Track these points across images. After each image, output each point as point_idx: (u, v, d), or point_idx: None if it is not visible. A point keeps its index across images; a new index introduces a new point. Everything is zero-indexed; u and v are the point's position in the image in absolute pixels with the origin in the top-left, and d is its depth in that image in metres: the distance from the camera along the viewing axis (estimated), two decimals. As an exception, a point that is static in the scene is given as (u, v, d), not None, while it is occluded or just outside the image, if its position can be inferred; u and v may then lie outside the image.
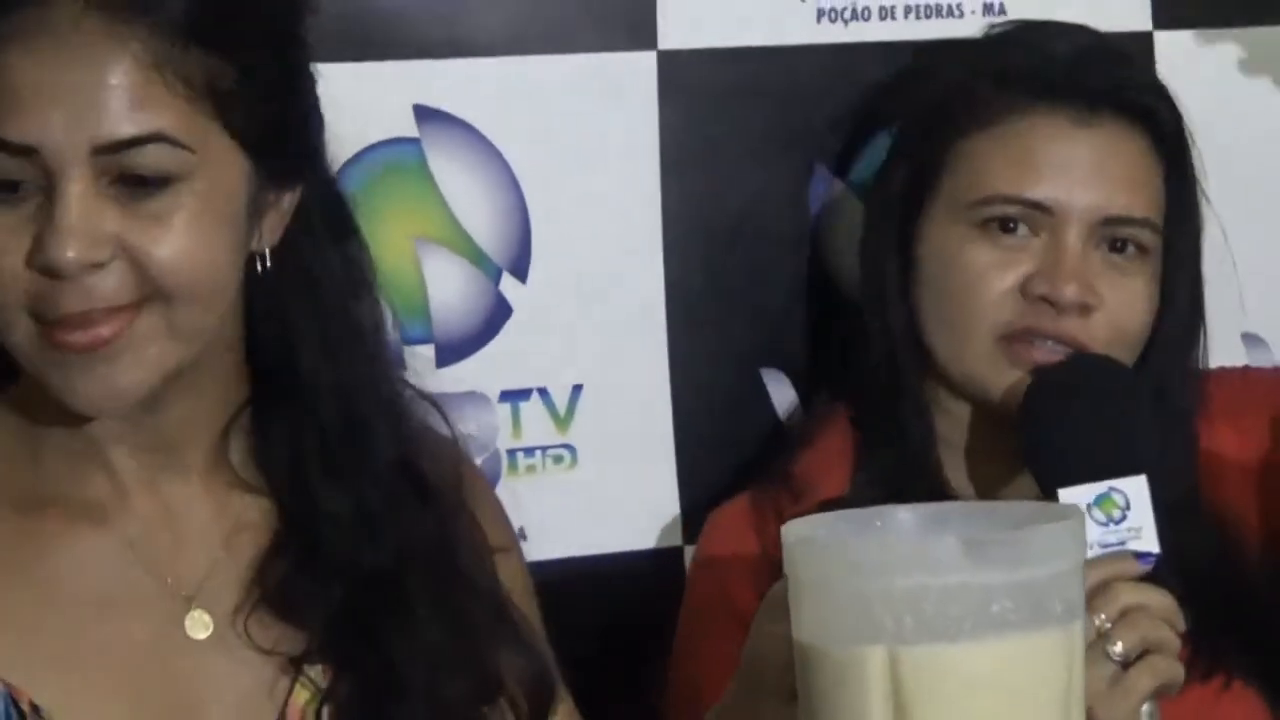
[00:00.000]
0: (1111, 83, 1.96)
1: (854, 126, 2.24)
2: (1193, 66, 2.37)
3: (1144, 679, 1.69)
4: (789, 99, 2.21)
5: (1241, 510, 2.08)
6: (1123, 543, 1.75)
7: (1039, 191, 1.92)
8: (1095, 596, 1.68)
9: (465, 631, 1.66)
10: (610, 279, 2.16)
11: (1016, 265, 1.91)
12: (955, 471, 1.97)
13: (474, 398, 2.06)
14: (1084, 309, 1.90)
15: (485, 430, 2.07)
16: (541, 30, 2.13)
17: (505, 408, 2.10)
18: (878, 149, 2.18)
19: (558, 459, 2.12)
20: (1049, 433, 1.83)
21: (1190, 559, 1.95)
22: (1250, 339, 2.39)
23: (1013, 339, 1.91)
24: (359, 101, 1.95)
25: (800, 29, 2.19)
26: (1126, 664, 1.69)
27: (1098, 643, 1.67)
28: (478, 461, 1.98)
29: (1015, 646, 1.35)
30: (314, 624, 1.61)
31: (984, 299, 1.92)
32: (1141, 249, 1.95)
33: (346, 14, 2.01)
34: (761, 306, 2.23)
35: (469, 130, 2.09)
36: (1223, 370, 2.17)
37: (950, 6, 2.25)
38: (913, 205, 1.99)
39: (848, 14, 2.21)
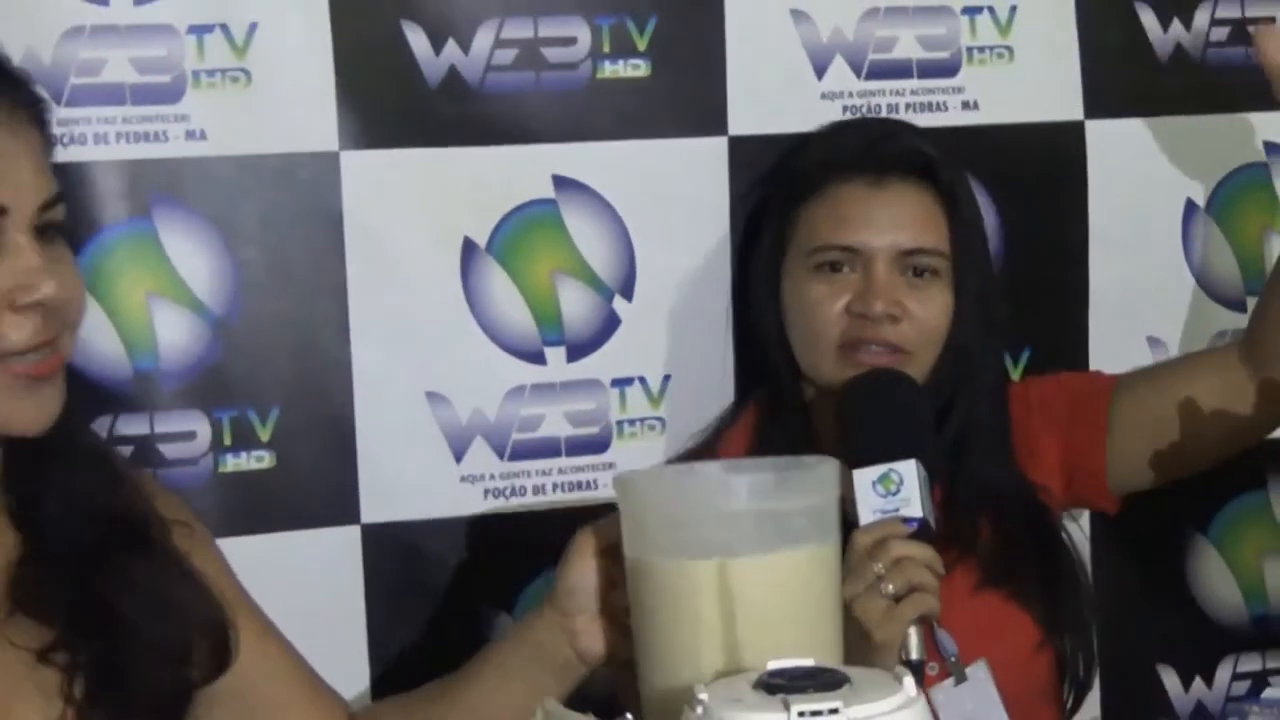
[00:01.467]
0: (896, 155, 2.28)
1: None
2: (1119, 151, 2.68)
3: (908, 609, 1.96)
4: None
5: (1047, 481, 2.36)
6: (896, 510, 2.00)
7: (850, 238, 2.25)
8: (875, 549, 1.97)
9: (163, 585, 1.80)
10: (692, 300, 2.52)
11: (842, 294, 2.24)
12: (826, 447, 2.09)
13: (593, 384, 2.48)
14: (892, 318, 2.22)
15: (602, 407, 2.49)
16: (642, 119, 2.49)
17: (615, 391, 2.49)
18: None
19: (651, 427, 2.51)
20: (850, 427, 2.12)
21: (1008, 514, 2.27)
22: (1153, 341, 2.73)
23: (846, 347, 2.23)
24: (514, 174, 2.46)
25: (832, 119, 2.53)
26: (897, 599, 1.96)
27: (876, 583, 1.96)
28: (594, 430, 2.46)
29: (811, 553, 1.64)
30: (58, 614, 1.72)
31: (822, 320, 2.24)
32: (934, 271, 2.26)
33: (502, 111, 2.44)
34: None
35: (592, 193, 2.48)
36: (1040, 377, 2.52)
37: (939, 104, 2.60)
38: (776, 259, 2.32)
39: (864, 109, 2.56)
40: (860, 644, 1.94)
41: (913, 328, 2.23)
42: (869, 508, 2.01)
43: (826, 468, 1.69)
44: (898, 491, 2.02)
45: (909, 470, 2.02)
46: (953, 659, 2.08)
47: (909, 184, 2.27)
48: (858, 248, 2.24)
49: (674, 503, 1.65)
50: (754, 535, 1.61)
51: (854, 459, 2.02)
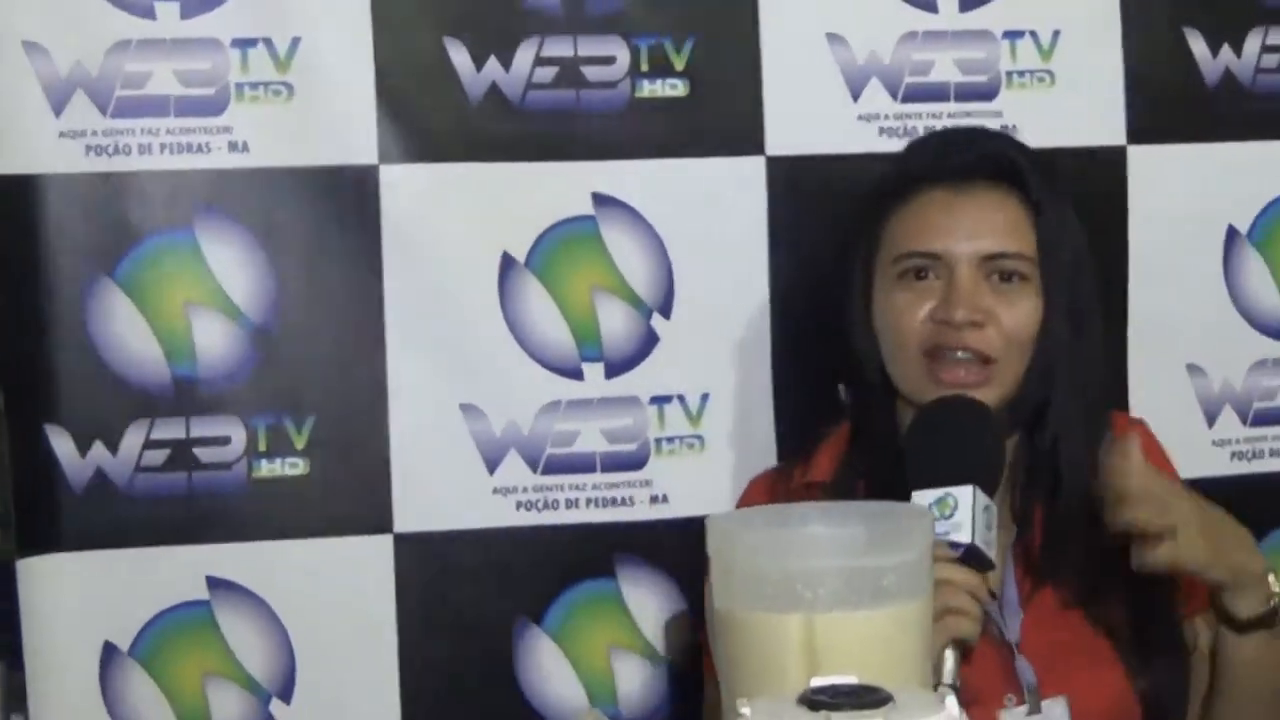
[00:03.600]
0: (979, 160, 2.20)
1: None
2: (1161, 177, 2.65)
3: (939, 634, 1.87)
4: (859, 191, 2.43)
5: None
6: (946, 534, 1.96)
7: (932, 244, 2.17)
8: None
9: None
10: (730, 316, 2.51)
11: (926, 301, 2.17)
12: None
13: (631, 401, 2.48)
14: (975, 325, 2.14)
15: (639, 424, 2.48)
16: (681, 138, 2.49)
17: (653, 408, 2.49)
18: None
19: (690, 445, 2.50)
20: (917, 448, 2.05)
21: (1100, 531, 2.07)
22: (1192, 368, 2.69)
23: (931, 355, 2.15)
24: (554, 189, 2.47)
25: (868, 142, 2.56)
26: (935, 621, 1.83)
27: None
28: (632, 447, 2.47)
29: (898, 612, 1.57)
30: None
31: (907, 328, 2.17)
32: (1022, 276, 2.17)
33: (542, 128, 2.45)
34: (838, 340, 2.38)
35: (630, 210, 2.49)
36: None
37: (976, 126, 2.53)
38: (867, 271, 2.24)
39: (900, 131, 2.56)
40: None
41: (998, 334, 2.16)
42: None
43: (920, 522, 1.65)
44: (951, 515, 1.97)
45: (965, 495, 1.97)
46: (1029, 688, 2.06)
47: (993, 189, 2.20)
48: (940, 254, 2.17)
49: (763, 555, 1.59)
50: (842, 592, 1.56)
51: (915, 479, 2.00)
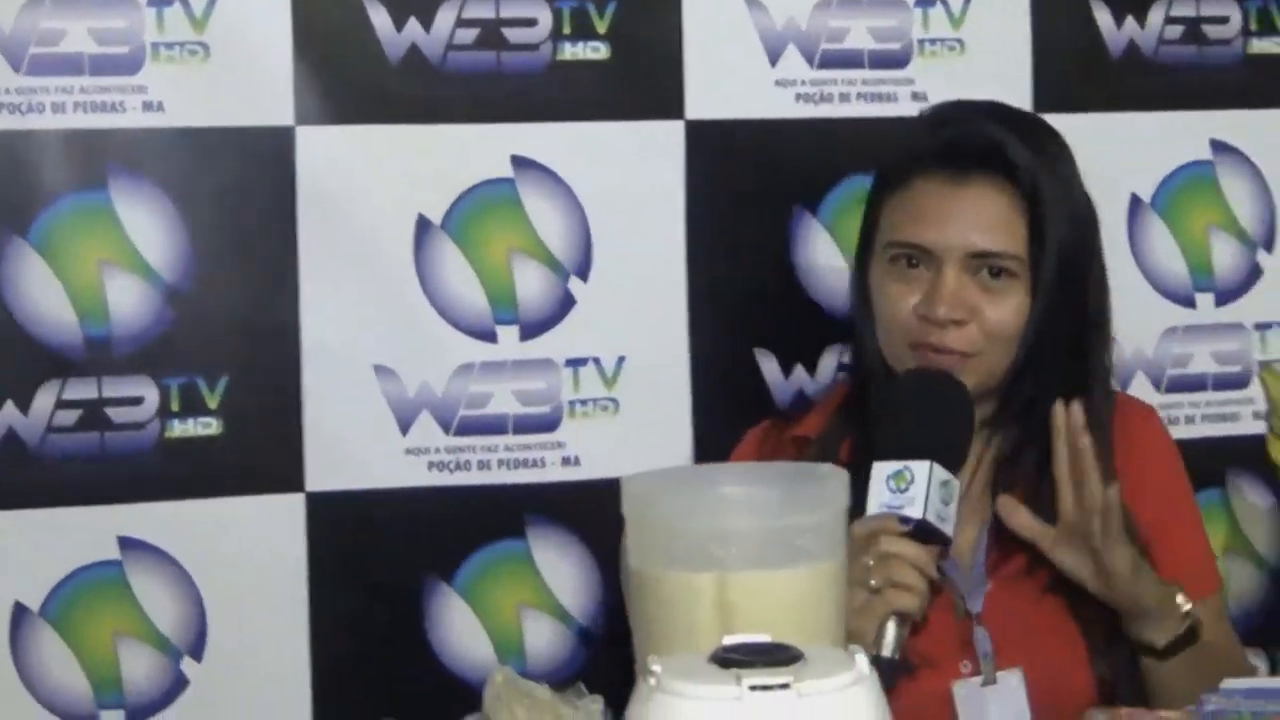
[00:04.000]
0: (980, 151, 2.15)
1: (822, 178, 2.60)
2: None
3: (879, 605, 1.92)
4: (776, 158, 2.56)
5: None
6: (900, 507, 1.96)
7: (922, 236, 2.14)
8: (867, 542, 1.94)
9: None
10: (647, 280, 2.52)
11: (915, 291, 2.14)
12: None
13: (546, 363, 2.48)
14: (956, 323, 2.12)
15: (553, 387, 2.49)
16: (601, 101, 2.50)
17: (568, 371, 2.49)
18: (838, 193, 2.59)
19: (604, 408, 2.51)
20: (884, 420, 2.07)
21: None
22: None
23: (915, 347, 2.14)
24: (472, 151, 2.47)
25: (785, 107, 2.56)
26: (877, 593, 1.93)
27: (863, 573, 1.92)
28: (545, 409, 2.48)
29: (812, 572, 1.58)
30: None
31: (896, 317, 2.15)
32: (1010, 274, 2.13)
33: (461, 90, 2.45)
34: (754, 305, 2.56)
35: (549, 174, 2.49)
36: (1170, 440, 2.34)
37: (889, 94, 2.61)
38: (867, 250, 2.22)
39: (816, 97, 2.58)
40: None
41: (980, 329, 2.14)
42: (876, 500, 1.98)
43: (835, 482, 1.64)
44: (907, 490, 1.98)
45: (921, 470, 1.98)
46: (985, 658, 2.07)
47: (990, 183, 2.16)
48: (928, 246, 2.14)
49: (676, 515, 1.60)
50: (755, 552, 1.57)
51: (879, 451, 2.01)
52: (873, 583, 1.93)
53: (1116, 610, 2.08)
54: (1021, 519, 2.06)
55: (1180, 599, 2.07)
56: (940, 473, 1.99)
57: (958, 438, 2.06)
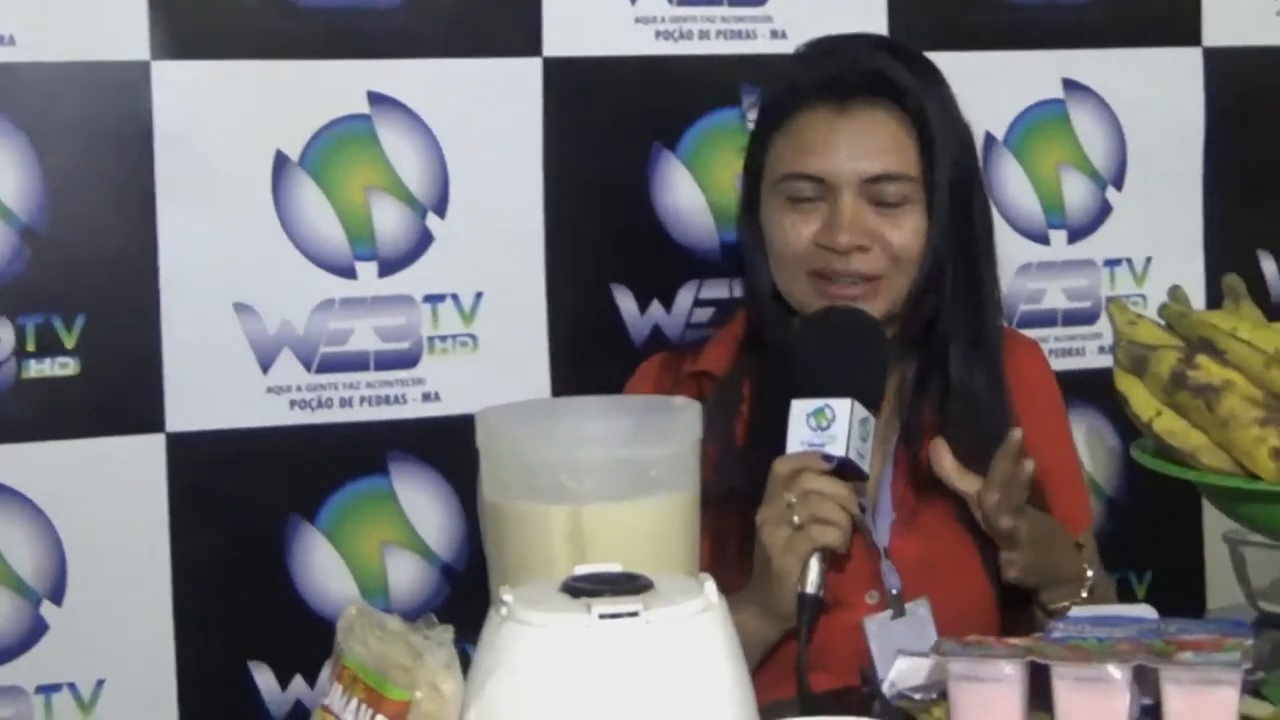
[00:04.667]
0: (864, 78, 2.16)
1: (681, 115, 2.61)
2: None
3: (804, 542, 1.95)
4: (635, 95, 2.56)
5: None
6: (822, 445, 1.97)
7: (814, 167, 2.14)
8: (790, 479, 1.96)
9: None
10: (505, 217, 2.52)
11: (811, 223, 2.15)
12: None
13: (405, 300, 2.47)
14: (860, 249, 2.13)
15: (413, 323, 2.48)
16: (459, 37, 2.48)
17: (427, 307, 2.49)
18: (697, 130, 2.60)
19: (463, 344, 2.51)
20: (799, 358, 2.05)
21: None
22: None
23: (817, 276, 2.15)
24: (329, 88, 2.45)
25: (644, 44, 2.57)
26: (801, 530, 1.95)
27: (786, 511, 1.95)
28: (405, 345, 2.47)
29: (664, 502, 1.61)
30: None
31: (793, 250, 2.15)
32: (905, 196, 2.15)
33: (317, 25, 2.43)
34: (612, 242, 2.57)
35: (406, 110, 2.48)
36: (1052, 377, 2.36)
37: (748, 31, 2.62)
38: (754, 185, 2.23)
39: (675, 34, 2.58)
40: (764, 570, 1.97)
41: (883, 254, 2.15)
42: (797, 439, 1.99)
43: (687, 414, 1.66)
44: (828, 428, 1.98)
45: (843, 408, 1.98)
46: (893, 592, 2.07)
47: (875, 108, 2.17)
48: (821, 175, 2.15)
49: (529, 447, 1.62)
50: (607, 483, 1.59)
51: (796, 389, 2.00)
52: (796, 520, 1.95)
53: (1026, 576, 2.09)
54: (947, 467, 2.05)
55: (1088, 571, 2.10)
56: (860, 410, 2.00)
57: (875, 376, 2.07)
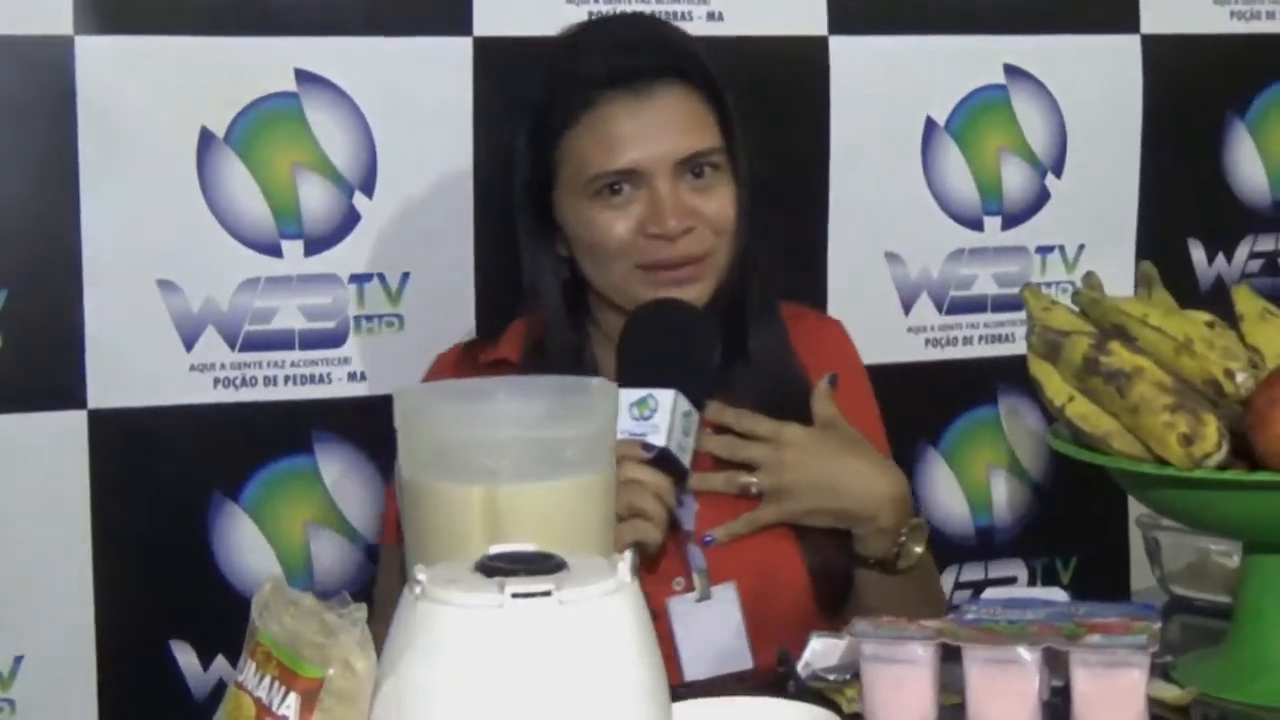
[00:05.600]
0: (653, 61, 2.16)
1: None
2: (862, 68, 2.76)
3: (625, 533, 1.95)
4: None
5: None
6: (644, 435, 1.99)
7: (627, 160, 2.14)
8: None
9: None
10: (433, 198, 2.54)
11: (631, 215, 2.14)
12: (606, 360, 2.20)
13: (331, 279, 2.50)
14: (687, 230, 2.14)
15: (339, 302, 2.51)
16: (387, 15, 2.51)
17: (353, 287, 2.51)
18: None
19: (389, 324, 2.54)
20: (625, 349, 2.09)
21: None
22: (890, 256, 2.83)
23: (645, 268, 2.15)
24: (256, 65, 2.47)
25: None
26: (621, 519, 1.94)
27: None
28: (331, 325, 2.50)
29: (579, 483, 1.65)
30: None
31: (614, 245, 2.15)
32: (714, 167, 2.17)
33: (246, 3, 2.45)
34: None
35: (334, 88, 2.50)
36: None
37: (685, 13, 2.64)
38: (545, 186, 2.19)
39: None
40: None
41: (708, 230, 2.17)
42: (621, 428, 1.99)
43: (602, 396, 1.70)
44: (650, 417, 2.01)
45: (666, 398, 2.01)
46: (698, 574, 2.11)
47: (672, 88, 2.17)
48: (634, 167, 2.15)
49: (446, 427, 1.66)
50: (522, 463, 1.62)
51: (622, 379, 2.01)
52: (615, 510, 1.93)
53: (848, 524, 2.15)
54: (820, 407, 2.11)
55: (912, 524, 2.16)
56: (683, 403, 2.03)
57: (700, 367, 2.09)
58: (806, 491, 2.14)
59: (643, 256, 2.16)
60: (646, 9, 2.64)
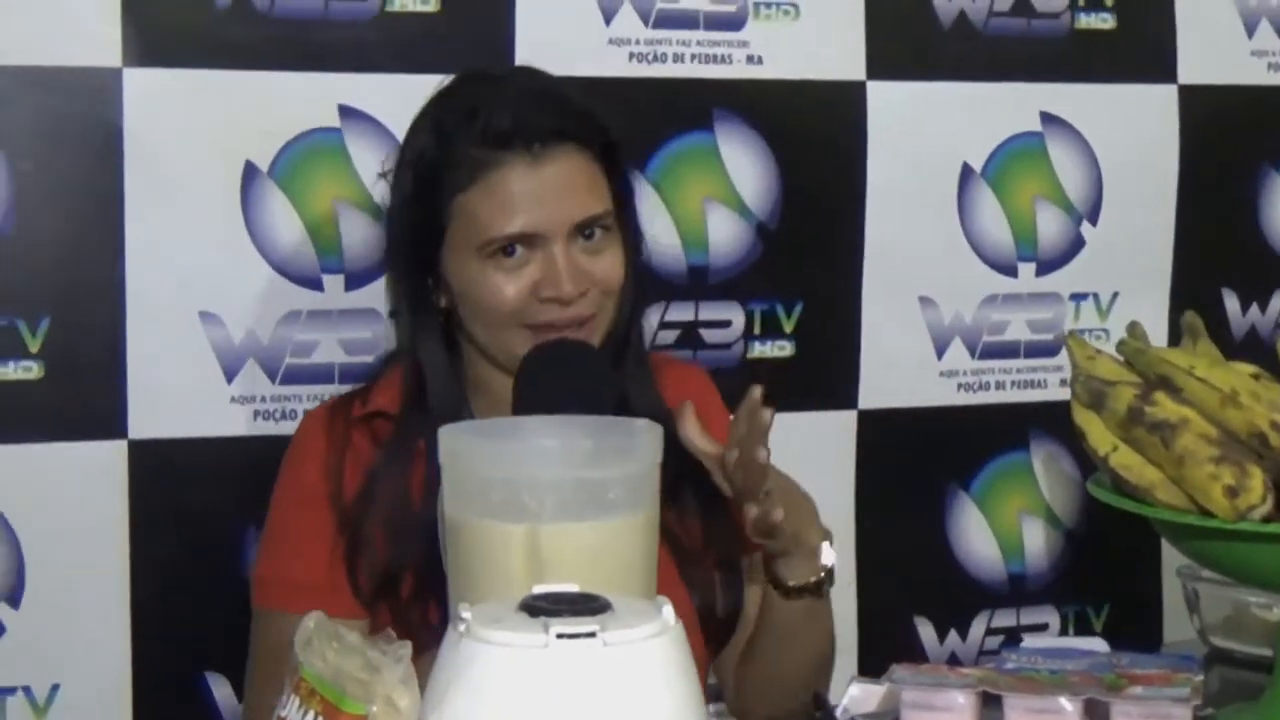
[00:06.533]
0: (549, 124, 2.10)
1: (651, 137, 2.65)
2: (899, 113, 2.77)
3: None
4: (607, 115, 2.34)
5: None
6: None
7: (519, 225, 2.09)
8: None
9: None
10: None
11: (522, 278, 2.10)
12: (487, 411, 2.15)
13: (370, 313, 2.49)
14: (581, 294, 2.11)
15: (378, 337, 2.48)
16: (430, 53, 2.49)
17: (393, 322, 2.28)
18: (668, 151, 2.66)
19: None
20: (521, 392, 2.03)
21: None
22: (924, 300, 2.82)
23: (536, 329, 2.11)
24: (299, 99, 2.48)
25: (618, 66, 2.61)
26: None
27: None
28: (369, 358, 2.39)
29: (622, 524, 1.64)
30: None
31: (505, 306, 2.10)
32: (606, 229, 2.14)
33: (290, 36, 2.46)
34: None
35: (376, 123, 2.50)
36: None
37: (724, 56, 2.66)
38: (432, 243, 2.13)
39: (650, 57, 2.62)
40: None
41: (599, 291, 2.15)
42: None
43: (647, 436, 1.68)
44: None
45: None
46: None
47: (565, 150, 2.13)
48: (530, 232, 2.11)
49: (489, 465, 1.64)
50: (566, 503, 1.61)
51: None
52: None
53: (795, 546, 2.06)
54: (690, 431, 2.00)
55: (825, 547, 2.07)
56: None
57: (603, 407, 2.00)
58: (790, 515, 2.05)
59: (533, 318, 2.12)
60: (687, 51, 2.64)
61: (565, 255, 2.12)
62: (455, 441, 1.68)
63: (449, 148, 2.14)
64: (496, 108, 2.13)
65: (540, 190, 2.11)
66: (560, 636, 1.37)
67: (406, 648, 1.49)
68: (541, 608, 1.40)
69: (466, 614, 1.40)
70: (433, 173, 2.15)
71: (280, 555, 2.14)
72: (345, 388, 2.30)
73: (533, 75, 2.23)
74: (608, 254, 2.16)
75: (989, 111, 2.86)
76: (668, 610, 1.43)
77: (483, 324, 2.15)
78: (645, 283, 2.25)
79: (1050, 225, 2.90)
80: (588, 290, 2.13)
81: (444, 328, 2.19)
